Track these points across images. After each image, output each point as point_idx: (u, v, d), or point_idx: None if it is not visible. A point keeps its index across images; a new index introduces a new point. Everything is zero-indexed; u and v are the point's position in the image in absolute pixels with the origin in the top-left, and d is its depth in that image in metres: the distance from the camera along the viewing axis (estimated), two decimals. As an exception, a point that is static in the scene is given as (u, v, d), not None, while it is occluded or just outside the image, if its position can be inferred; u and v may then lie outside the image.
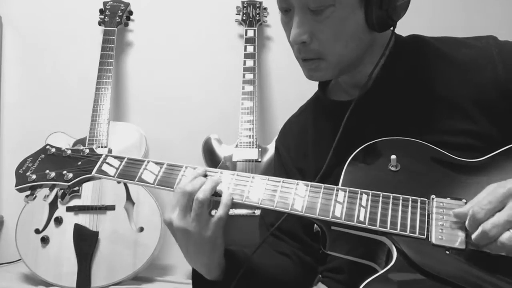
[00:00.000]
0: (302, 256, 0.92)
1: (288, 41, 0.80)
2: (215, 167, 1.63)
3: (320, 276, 0.92)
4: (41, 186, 0.85)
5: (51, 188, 0.85)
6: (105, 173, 0.81)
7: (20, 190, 0.85)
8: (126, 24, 2.05)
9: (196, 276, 0.79)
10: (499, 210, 0.59)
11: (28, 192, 0.86)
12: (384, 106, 0.83)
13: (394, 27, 0.81)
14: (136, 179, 0.79)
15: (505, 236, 0.58)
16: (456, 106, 0.78)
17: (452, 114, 0.78)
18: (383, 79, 0.84)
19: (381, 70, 0.83)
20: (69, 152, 0.86)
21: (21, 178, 0.85)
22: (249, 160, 1.80)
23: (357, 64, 0.82)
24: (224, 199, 0.72)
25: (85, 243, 1.62)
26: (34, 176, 0.84)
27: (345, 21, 0.74)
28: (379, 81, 0.84)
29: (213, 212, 0.70)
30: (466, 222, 0.63)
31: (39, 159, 0.87)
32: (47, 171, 0.84)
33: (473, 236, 0.61)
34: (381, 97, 0.83)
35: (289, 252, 0.91)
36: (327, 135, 0.86)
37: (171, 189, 0.77)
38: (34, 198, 0.86)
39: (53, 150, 0.88)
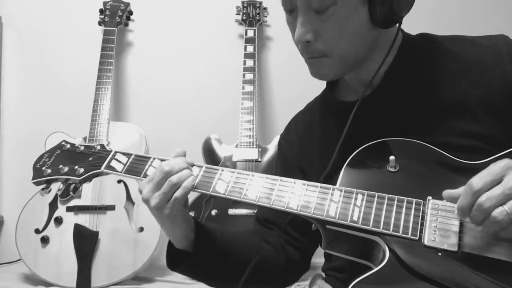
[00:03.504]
0: (289, 249, 0.92)
1: (294, 41, 0.80)
2: (215, 167, 1.63)
3: (324, 274, 0.92)
4: (56, 180, 0.90)
5: (65, 182, 0.90)
6: (113, 169, 0.85)
7: (37, 184, 0.90)
8: (126, 24, 2.06)
9: (170, 246, 0.84)
10: (498, 184, 0.58)
11: (44, 186, 0.90)
12: (390, 105, 0.82)
13: (400, 24, 0.79)
14: (142, 175, 0.82)
15: (497, 211, 0.56)
16: (463, 106, 0.77)
17: (458, 115, 0.76)
18: (390, 78, 0.82)
19: (389, 68, 0.82)
20: (82, 148, 0.91)
21: (37, 172, 0.90)
22: (249, 160, 1.80)
23: (362, 62, 0.81)
24: (185, 183, 0.76)
25: (85, 243, 1.63)
26: (49, 171, 0.89)
27: (349, 19, 0.74)
28: (386, 80, 0.82)
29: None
30: (463, 193, 0.60)
31: (55, 154, 0.92)
32: (61, 165, 0.89)
33: (472, 211, 0.59)
34: (387, 96, 0.82)
35: (274, 241, 0.92)
36: (333, 135, 0.85)
37: None
38: (49, 191, 0.91)
39: (68, 146, 0.93)
